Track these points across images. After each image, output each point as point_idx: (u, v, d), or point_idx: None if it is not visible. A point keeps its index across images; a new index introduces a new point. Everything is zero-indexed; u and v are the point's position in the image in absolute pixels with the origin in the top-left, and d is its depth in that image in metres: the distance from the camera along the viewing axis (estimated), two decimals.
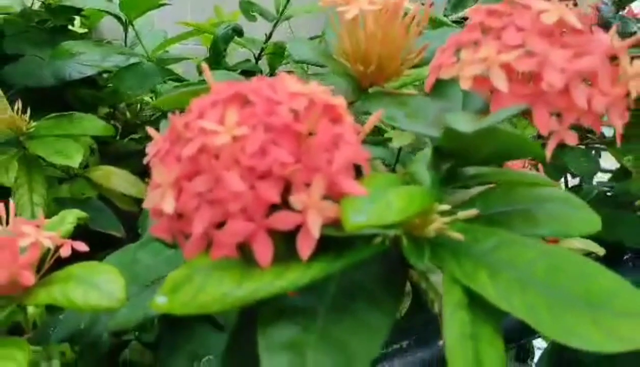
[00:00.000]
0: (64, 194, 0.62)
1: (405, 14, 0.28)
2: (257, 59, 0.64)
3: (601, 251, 0.40)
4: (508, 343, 0.54)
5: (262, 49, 0.63)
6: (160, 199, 0.20)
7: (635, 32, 0.44)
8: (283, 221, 0.18)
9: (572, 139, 0.21)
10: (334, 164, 0.19)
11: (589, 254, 0.46)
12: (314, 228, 0.18)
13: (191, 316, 0.24)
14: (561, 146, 0.40)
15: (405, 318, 0.41)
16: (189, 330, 0.34)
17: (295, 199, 0.18)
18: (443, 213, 0.21)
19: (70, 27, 0.90)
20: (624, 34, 0.42)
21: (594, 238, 0.47)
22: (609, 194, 0.53)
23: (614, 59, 0.22)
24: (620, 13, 0.60)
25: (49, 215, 0.40)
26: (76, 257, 0.32)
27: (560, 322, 0.19)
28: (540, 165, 0.43)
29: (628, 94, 0.21)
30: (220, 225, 0.19)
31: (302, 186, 0.19)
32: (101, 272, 0.30)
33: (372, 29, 0.26)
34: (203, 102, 0.21)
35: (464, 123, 0.18)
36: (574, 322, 0.19)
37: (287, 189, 0.19)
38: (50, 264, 0.32)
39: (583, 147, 0.51)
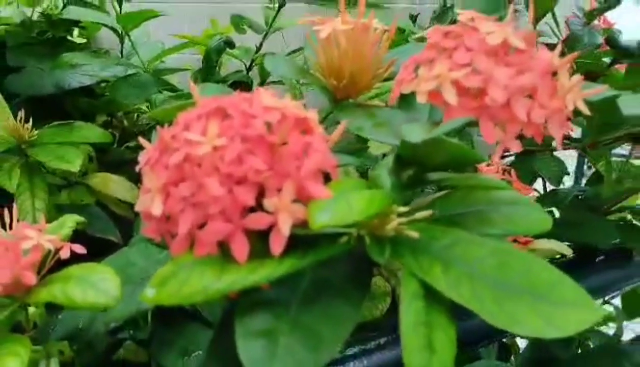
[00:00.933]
0: (63, 200, 0.65)
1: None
2: (248, 69, 0.67)
3: (568, 252, 0.43)
4: (489, 341, 0.56)
5: (253, 61, 0.66)
6: (150, 203, 0.22)
7: (601, 44, 0.46)
8: (257, 221, 0.21)
9: (516, 147, 0.23)
10: (302, 171, 0.22)
11: (562, 255, 0.49)
12: (285, 228, 0.21)
13: (182, 313, 0.26)
14: (532, 152, 0.43)
15: (385, 316, 0.43)
16: (179, 327, 0.36)
17: (268, 202, 0.21)
18: (402, 214, 0.23)
19: (69, 37, 0.93)
20: (591, 45, 0.45)
21: (567, 240, 0.50)
22: (581, 198, 0.56)
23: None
24: (596, 22, 0.63)
25: (49, 220, 0.42)
26: (75, 260, 0.34)
27: (504, 311, 0.22)
28: (513, 170, 0.46)
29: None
30: (202, 226, 0.21)
31: (275, 191, 0.21)
32: (98, 272, 0.32)
33: (344, 47, 0.29)
34: (189, 116, 0.24)
35: (415, 134, 0.21)
36: (516, 311, 0.22)
37: (261, 193, 0.22)
38: (50, 266, 0.34)
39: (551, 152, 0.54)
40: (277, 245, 0.21)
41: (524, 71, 0.23)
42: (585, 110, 0.24)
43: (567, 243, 0.44)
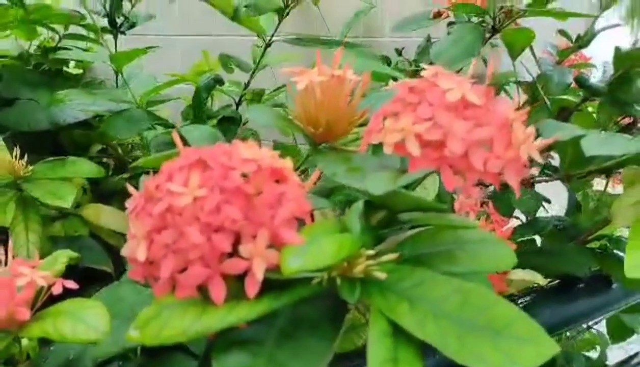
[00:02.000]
0: (57, 231, 0.66)
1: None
2: (238, 104, 0.69)
3: (543, 282, 0.44)
4: None
5: (242, 96, 0.68)
6: (135, 249, 0.24)
7: (570, 83, 0.49)
8: (234, 266, 0.23)
9: (475, 193, 0.25)
10: (276, 219, 0.23)
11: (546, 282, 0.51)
12: (259, 273, 0.23)
13: (170, 346, 0.28)
14: (506, 185, 0.45)
15: (366, 346, 0.45)
16: (167, 359, 0.38)
17: (243, 249, 0.23)
18: (371, 257, 0.25)
19: (65, 68, 0.96)
20: (561, 84, 0.47)
21: (546, 269, 0.52)
22: (560, 227, 0.58)
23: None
24: (572, 56, 0.66)
25: (43, 252, 0.44)
26: (69, 290, 0.36)
27: (466, 347, 0.23)
28: (490, 203, 0.48)
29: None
30: (183, 270, 0.23)
31: (250, 238, 0.23)
32: (88, 307, 0.34)
33: (320, 97, 0.31)
34: (172, 166, 0.25)
35: (377, 187, 0.23)
36: (478, 347, 0.23)
37: (238, 240, 0.23)
38: (45, 299, 0.36)
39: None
40: (251, 289, 0.23)
41: (481, 125, 0.25)
42: (539, 159, 0.26)
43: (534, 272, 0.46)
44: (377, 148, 0.31)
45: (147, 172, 0.27)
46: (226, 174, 0.24)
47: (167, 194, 0.24)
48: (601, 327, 0.82)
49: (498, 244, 0.29)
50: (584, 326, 0.76)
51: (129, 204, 0.26)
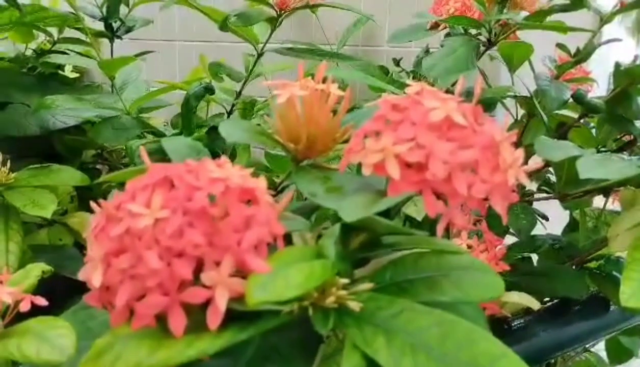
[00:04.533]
0: (42, 239, 0.65)
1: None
2: (229, 113, 0.68)
3: (536, 305, 0.42)
4: None
5: (233, 105, 0.67)
6: (91, 272, 0.22)
7: (568, 99, 0.47)
8: (194, 295, 0.21)
9: (459, 220, 0.23)
10: (242, 244, 0.22)
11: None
12: (221, 303, 0.21)
13: None
14: None
15: None
16: None
17: (205, 276, 0.21)
18: (346, 285, 0.24)
19: (60, 72, 0.95)
20: (558, 100, 0.46)
21: (540, 292, 0.50)
22: (556, 247, 0.56)
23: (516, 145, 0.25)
24: (572, 70, 0.64)
25: (24, 262, 0.42)
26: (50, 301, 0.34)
27: None
28: (483, 222, 0.46)
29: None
30: (141, 298, 0.22)
31: (213, 264, 0.21)
32: (55, 327, 0.32)
33: (301, 112, 0.29)
34: (137, 184, 0.24)
35: (350, 213, 0.21)
36: None
37: (201, 267, 0.22)
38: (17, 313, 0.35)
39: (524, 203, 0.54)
40: (213, 320, 0.21)
41: (466, 146, 0.23)
42: (527, 183, 0.24)
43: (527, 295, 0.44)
44: (360, 166, 0.30)
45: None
46: (191, 195, 0.22)
47: (127, 215, 0.22)
48: (600, 347, 0.80)
49: (485, 272, 0.28)
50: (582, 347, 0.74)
51: (92, 221, 0.25)
